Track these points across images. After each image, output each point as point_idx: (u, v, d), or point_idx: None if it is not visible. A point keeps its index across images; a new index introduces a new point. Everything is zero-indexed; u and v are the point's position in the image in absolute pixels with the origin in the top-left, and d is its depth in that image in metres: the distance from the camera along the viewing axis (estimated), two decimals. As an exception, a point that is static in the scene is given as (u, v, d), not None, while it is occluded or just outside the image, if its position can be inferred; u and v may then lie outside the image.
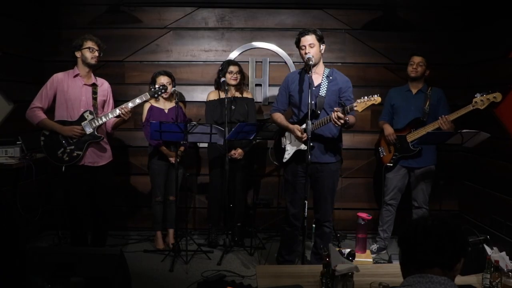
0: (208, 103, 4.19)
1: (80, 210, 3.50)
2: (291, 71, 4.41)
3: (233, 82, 4.08)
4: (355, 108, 3.02)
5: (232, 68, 4.11)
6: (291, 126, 3.28)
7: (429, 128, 3.74)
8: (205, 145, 4.35)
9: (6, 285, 1.36)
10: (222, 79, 4.05)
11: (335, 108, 3.05)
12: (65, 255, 2.79)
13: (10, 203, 3.67)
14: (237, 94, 4.13)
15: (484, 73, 4.21)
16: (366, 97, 3.03)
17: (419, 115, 3.89)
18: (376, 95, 3.02)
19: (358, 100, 3.03)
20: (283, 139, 3.41)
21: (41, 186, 4.09)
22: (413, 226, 1.46)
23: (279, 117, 3.42)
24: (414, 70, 3.91)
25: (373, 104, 3.02)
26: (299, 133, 3.18)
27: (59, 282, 2.51)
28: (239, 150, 4.08)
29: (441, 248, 1.39)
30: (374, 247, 4.11)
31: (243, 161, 4.19)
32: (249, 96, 4.27)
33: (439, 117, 3.65)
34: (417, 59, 3.91)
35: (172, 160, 3.96)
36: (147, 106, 4.07)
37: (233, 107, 3.97)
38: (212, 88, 4.30)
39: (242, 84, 4.20)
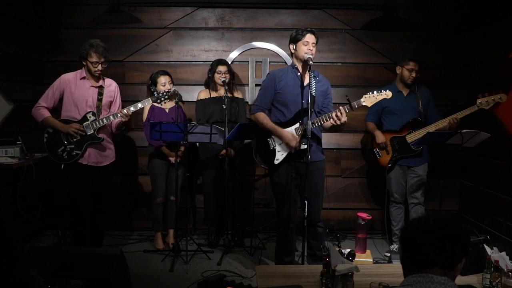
0: (198, 102, 4.19)
1: (83, 209, 3.54)
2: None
3: (221, 82, 4.07)
4: (363, 104, 2.99)
5: (221, 68, 4.11)
6: (285, 133, 3.16)
7: (432, 128, 3.75)
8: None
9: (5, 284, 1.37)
10: (220, 78, 4.06)
11: (340, 107, 3.04)
12: (65, 255, 2.80)
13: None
14: (227, 94, 4.09)
15: (484, 73, 4.21)
16: (375, 92, 2.99)
17: (416, 115, 3.91)
18: (386, 90, 2.99)
19: (366, 95, 2.99)
20: (271, 141, 3.27)
21: (41, 186, 4.09)
22: (415, 226, 1.46)
23: (265, 118, 3.28)
24: (413, 78, 3.91)
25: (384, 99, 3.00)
26: (293, 144, 3.11)
27: (59, 282, 2.51)
28: (230, 151, 4.09)
29: (443, 249, 1.39)
30: (394, 246, 4.08)
31: (236, 160, 4.20)
32: (240, 96, 4.28)
33: (449, 118, 3.68)
34: (416, 66, 3.89)
35: (172, 160, 3.96)
36: (148, 106, 4.06)
37: (224, 106, 3.96)
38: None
39: (232, 84, 4.18)
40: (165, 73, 4.06)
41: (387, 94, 2.98)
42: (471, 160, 4.42)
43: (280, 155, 3.24)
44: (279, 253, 3.49)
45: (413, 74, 3.90)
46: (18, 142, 3.72)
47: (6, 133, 3.81)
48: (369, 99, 2.98)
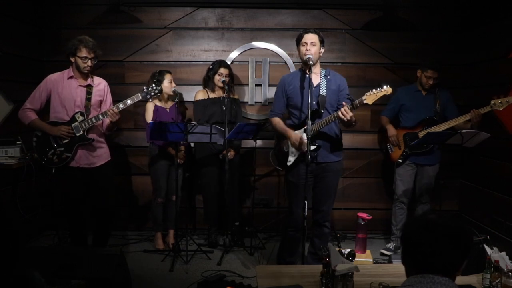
0: (197, 103, 4.17)
1: (79, 211, 3.48)
2: (291, 71, 4.41)
3: (220, 84, 4.07)
4: (364, 102, 2.98)
5: (222, 71, 4.09)
6: (289, 132, 3.23)
7: (444, 126, 3.80)
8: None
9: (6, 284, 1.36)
10: (222, 80, 4.05)
11: (344, 102, 3.03)
12: (65, 255, 2.80)
13: (5, 203, 3.66)
14: (227, 96, 4.04)
15: (484, 73, 4.21)
16: (377, 89, 2.98)
17: (432, 114, 3.96)
18: (386, 86, 2.97)
19: (367, 93, 2.98)
20: (284, 143, 3.34)
21: (41, 186, 4.08)
22: (415, 227, 1.45)
23: (278, 122, 3.36)
24: (430, 84, 3.98)
25: (384, 95, 2.98)
26: (296, 143, 3.16)
27: (59, 282, 2.51)
28: (232, 152, 4.09)
29: (442, 249, 1.38)
30: (391, 245, 4.12)
31: (236, 160, 4.20)
32: (236, 96, 4.29)
33: (471, 110, 3.63)
34: (435, 74, 3.94)
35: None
36: (151, 106, 4.02)
37: (223, 107, 3.96)
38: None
39: (230, 86, 4.16)
40: (169, 72, 4.08)
41: (386, 90, 2.97)
42: (471, 160, 4.42)
43: (292, 157, 3.28)
44: (283, 251, 3.50)
45: (431, 81, 3.97)
46: (18, 142, 3.72)
47: (6, 133, 3.81)
48: (370, 97, 2.99)
